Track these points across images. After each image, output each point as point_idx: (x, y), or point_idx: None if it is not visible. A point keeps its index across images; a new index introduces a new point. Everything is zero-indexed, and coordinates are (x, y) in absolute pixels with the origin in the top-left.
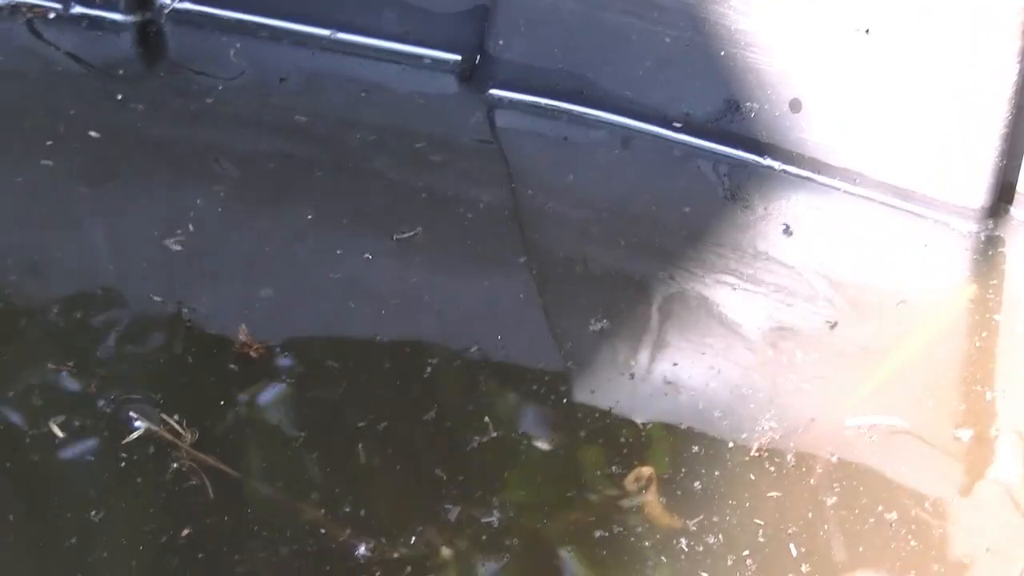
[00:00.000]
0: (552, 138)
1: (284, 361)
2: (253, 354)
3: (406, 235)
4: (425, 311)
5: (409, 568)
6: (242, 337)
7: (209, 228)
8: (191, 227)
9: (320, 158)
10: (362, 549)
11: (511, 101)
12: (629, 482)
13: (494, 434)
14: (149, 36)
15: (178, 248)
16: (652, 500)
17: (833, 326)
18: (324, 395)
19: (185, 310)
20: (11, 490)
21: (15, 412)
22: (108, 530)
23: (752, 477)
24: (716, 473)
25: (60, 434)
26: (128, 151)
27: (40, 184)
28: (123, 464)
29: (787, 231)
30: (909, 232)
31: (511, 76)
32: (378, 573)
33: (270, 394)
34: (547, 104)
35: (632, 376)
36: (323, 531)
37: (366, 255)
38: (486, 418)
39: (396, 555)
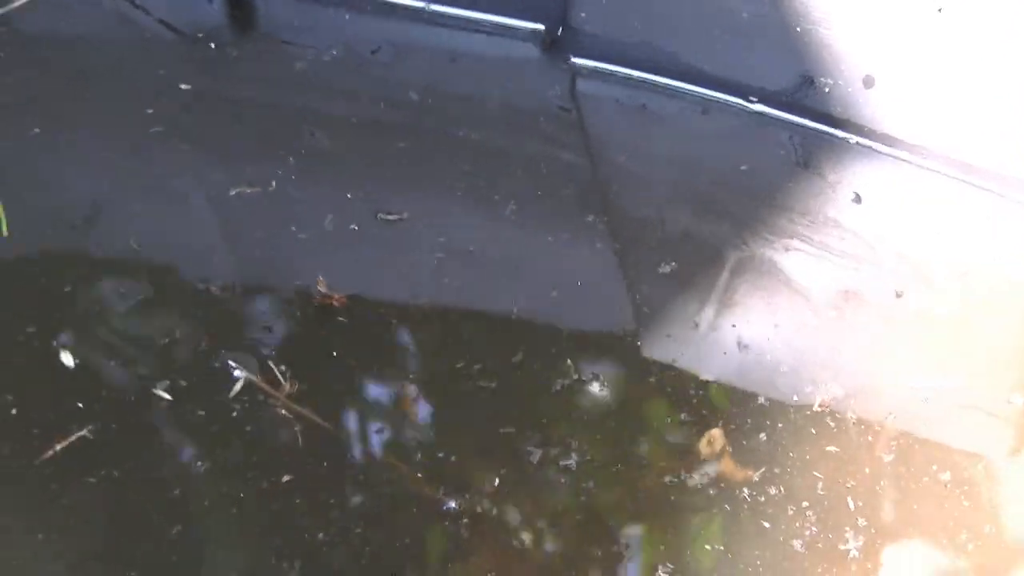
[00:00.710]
0: (631, 106)
1: (370, 310)
2: (336, 304)
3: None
4: (506, 261)
5: (495, 511)
6: (321, 289)
7: (297, 188)
8: (277, 188)
9: (407, 123)
10: (450, 496)
11: (592, 70)
12: (703, 445)
13: (575, 377)
14: (240, 4)
15: (268, 208)
16: (725, 461)
17: (899, 295)
18: (418, 338)
19: (272, 266)
20: (119, 451)
21: (122, 382)
22: (212, 479)
23: (813, 432)
24: (779, 426)
25: (167, 397)
26: (219, 117)
27: (136, 149)
28: (233, 414)
29: (857, 200)
30: (975, 205)
31: (592, 46)
32: (465, 520)
33: (364, 342)
34: (627, 73)
35: (700, 329)
36: (420, 475)
37: (449, 214)
38: (568, 361)
39: (482, 500)
